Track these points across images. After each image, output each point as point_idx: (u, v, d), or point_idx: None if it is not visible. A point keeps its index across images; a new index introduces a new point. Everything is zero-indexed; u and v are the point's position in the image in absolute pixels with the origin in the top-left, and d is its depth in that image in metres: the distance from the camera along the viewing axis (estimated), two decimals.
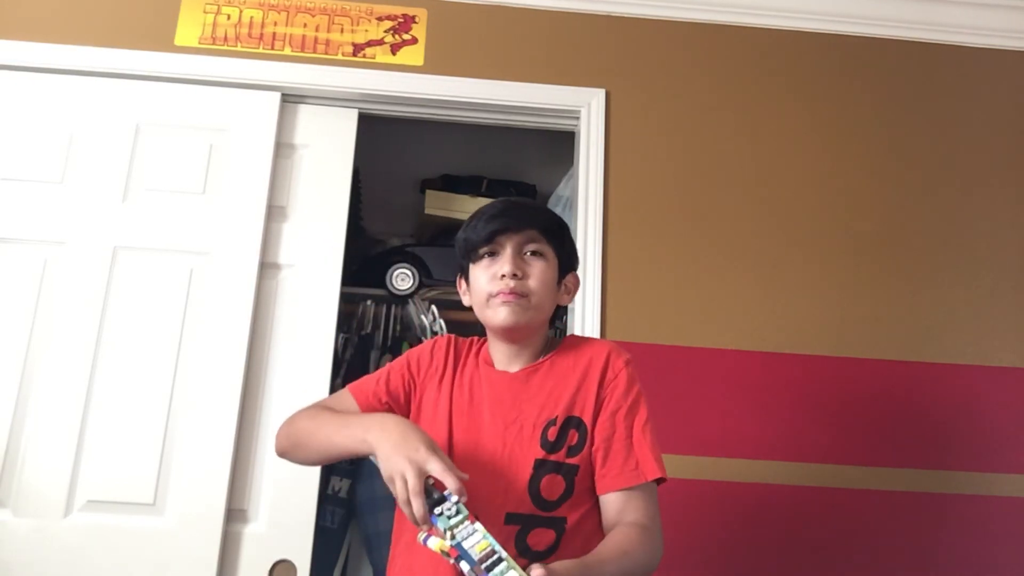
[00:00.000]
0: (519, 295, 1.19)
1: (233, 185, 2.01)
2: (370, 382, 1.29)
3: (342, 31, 2.15)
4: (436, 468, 1.01)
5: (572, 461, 1.16)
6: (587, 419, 1.18)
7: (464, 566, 0.95)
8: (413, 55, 2.14)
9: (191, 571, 1.76)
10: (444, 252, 2.74)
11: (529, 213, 1.25)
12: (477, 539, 0.97)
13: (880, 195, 2.14)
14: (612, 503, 1.15)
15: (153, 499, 1.80)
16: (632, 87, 2.17)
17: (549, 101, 2.13)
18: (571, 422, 1.18)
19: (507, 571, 0.93)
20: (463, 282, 1.30)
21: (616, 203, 2.06)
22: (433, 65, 2.14)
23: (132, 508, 1.79)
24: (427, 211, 2.89)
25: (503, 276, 1.19)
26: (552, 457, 1.16)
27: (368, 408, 1.25)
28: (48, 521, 1.76)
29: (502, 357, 1.27)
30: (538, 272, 1.22)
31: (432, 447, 1.03)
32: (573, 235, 1.37)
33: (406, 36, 2.16)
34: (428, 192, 2.92)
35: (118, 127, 2.02)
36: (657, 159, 2.12)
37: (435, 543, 0.99)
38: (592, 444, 1.18)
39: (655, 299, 2.01)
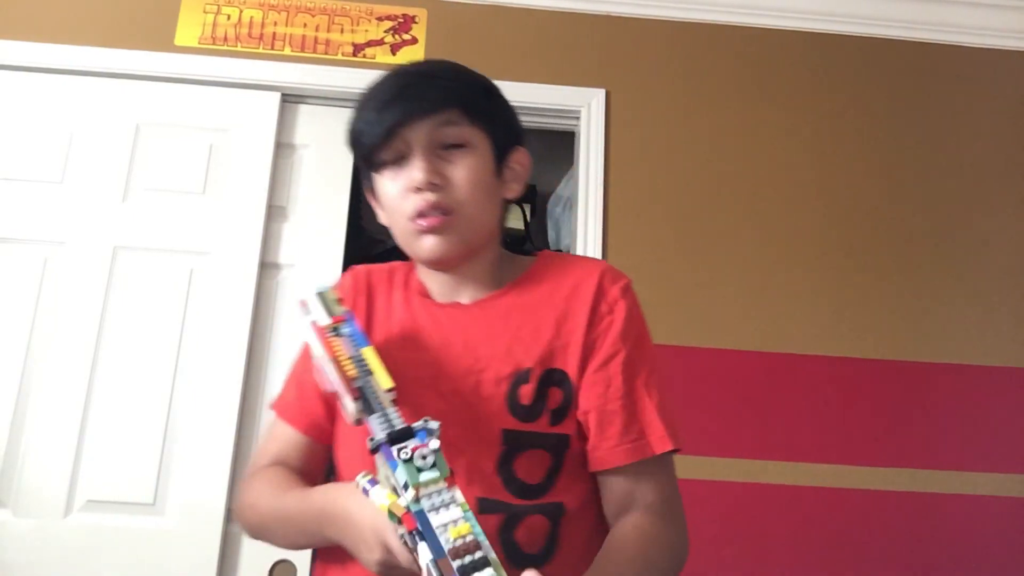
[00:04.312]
0: (443, 213, 0.86)
1: (233, 185, 2.01)
2: (290, 394, 0.96)
3: (342, 31, 2.15)
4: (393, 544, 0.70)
5: (558, 431, 0.86)
6: (572, 372, 0.87)
7: (423, 553, 0.59)
8: (413, 55, 2.14)
9: (191, 571, 1.76)
10: None
11: (437, 88, 0.88)
12: (453, 517, 0.61)
13: (881, 194, 2.14)
14: (615, 485, 0.86)
15: (153, 499, 1.80)
16: (632, 87, 2.16)
17: (549, 101, 2.13)
18: (551, 377, 0.87)
19: None
20: (372, 196, 0.95)
21: (616, 203, 2.06)
22: None
23: (132, 508, 1.80)
24: None
25: (417, 188, 0.86)
26: (529, 427, 0.84)
27: (310, 427, 0.93)
28: (48, 521, 1.76)
29: (441, 288, 0.94)
30: (465, 172, 0.87)
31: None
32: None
33: (406, 36, 2.16)
34: None
35: (118, 127, 2.02)
36: (657, 159, 2.11)
37: (380, 496, 0.64)
38: (578, 406, 0.87)
39: (655, 299, 1.99)
